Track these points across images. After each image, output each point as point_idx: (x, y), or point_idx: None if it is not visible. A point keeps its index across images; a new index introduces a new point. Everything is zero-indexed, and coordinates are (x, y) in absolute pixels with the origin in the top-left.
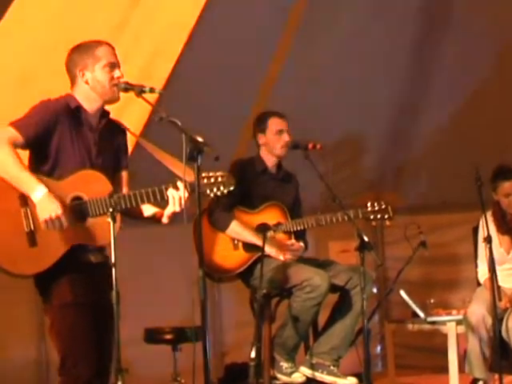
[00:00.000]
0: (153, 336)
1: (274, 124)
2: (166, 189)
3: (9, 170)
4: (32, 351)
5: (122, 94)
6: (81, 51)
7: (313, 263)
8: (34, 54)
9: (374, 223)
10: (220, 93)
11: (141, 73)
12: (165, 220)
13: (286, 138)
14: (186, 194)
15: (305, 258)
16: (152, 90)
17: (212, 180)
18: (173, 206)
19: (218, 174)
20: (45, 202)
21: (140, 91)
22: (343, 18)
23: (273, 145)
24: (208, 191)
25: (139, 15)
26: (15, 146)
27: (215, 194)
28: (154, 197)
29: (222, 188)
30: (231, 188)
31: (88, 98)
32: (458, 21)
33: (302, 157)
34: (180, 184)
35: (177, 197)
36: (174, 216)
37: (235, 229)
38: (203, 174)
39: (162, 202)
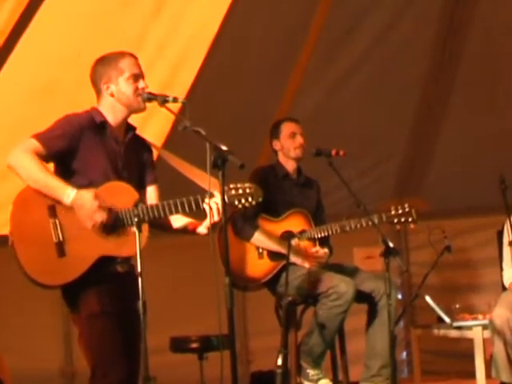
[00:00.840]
0: (179, 345)
1: (286, 128)
2: (202, 198)
3: (36, 178)
4: (58, 361)
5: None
6: (104, 64)
7: (337, 269)
8: (59, 64)
9: (398, 227)
10: (243, 101)
11: (163, 83)
12: (204, 231)
13: (299, 139)
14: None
15: (329, 264)
16: (175, 100)
17: (240, 191)
18: (212, 216)
19: (246, 185)
20: (79, 202)
21: (163, 101)
22: (365, 23)
23: (287, 148)
24: (236, 202)
25: (161, 26)
26: (38, 157)
27: (243, 206)
28: (189, 206)
29: (250, 199)
30: (260, 200)
31: (113, 110)
32: (479, 21)
33: (325, 164)
34: (217, 193)
35: (215, 206)
36: (213, 226)
37: (259, 238)
38: (231, 186)
39: (191, 212)
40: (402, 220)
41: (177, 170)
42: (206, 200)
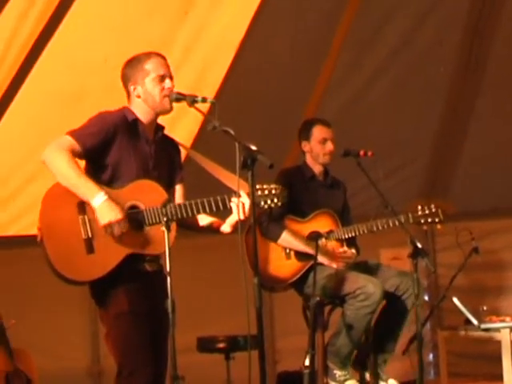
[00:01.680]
0: (205, 345)
1: (318, 132)
2: (229, 198)
3: (69, 177)
4: (85, 360)
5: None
6: (131, 66)
7: (361, 267)
8: (86, 70)
9: (425, 227)
10: (270, 102)
11: (190, 87)
12: (228, 229)
13: (329, 146)
14: (248, 202)
15: (355, 262)
16: (204, 100)
17: (266, 192)
18: (237, 215)
19: (272, 186)
20: (105, 207)
21: (192, 101)
22: (392, 25)
23: (316, 153)
24: (262, 203)
25: (188, 30)
26: (73, 154)
27: (269, 206)
28: (217, 206)
29: (275, 200)
30: (284, 201)
31: (142, 111)
32: (506, 23)
33: (351, 165)
34: (243, 192)
35: (240, 205)
36: (238, 225)
37: (287, 238)
38: (257, 186)
39: (219, 212)
40: (429, 220)
41: (205, 170)
42: (234, 199)
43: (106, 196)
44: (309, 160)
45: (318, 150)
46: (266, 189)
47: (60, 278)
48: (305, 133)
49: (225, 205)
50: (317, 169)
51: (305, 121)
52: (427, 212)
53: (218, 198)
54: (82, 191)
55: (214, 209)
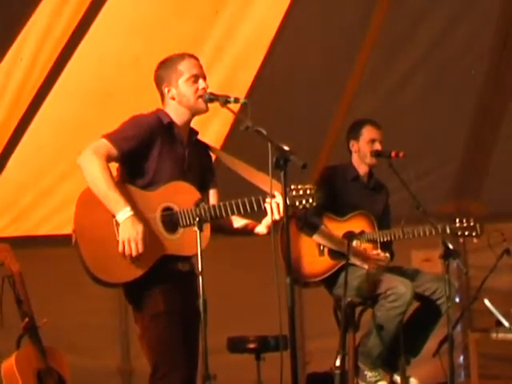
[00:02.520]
0: (236, 345)
1: (368, 132)
2: (263, 198)
3: (100, 187)
4: (116, 360)
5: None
6: (164, 67)
7: (397, 272)
8: (118, 68)
9: (461, 240)
10: (300, 103)
11: (221, 86)
12: (264, 230)
13: (377, 147)
14: (281, 202)
15: (390, 266)
16: (237, 100)
17: (301, 192)
18: (272, 215)
19: (307, 186)
20: (128, 224)
21: (225, 101)
22: (422, 27)
23: (364, 153)
24: (297, 203)
25: (219, 29)
26: (109, 159)
27: (304, 207)
28: (251, 207)
29: (310, 201)
30: (320, 201)
31: (177, 113)
32: None
33: (385, 165)
34: (277, 193)
35: (275, 205)
36: (274, 225)
37: (322, 235)
38: (292, 187)
39: (252, 214)
40: (466, 233)
41: (235, 173)
42: (268, 200)
43: (131, 212)
44: (355, 160)
45: (365, 150)
46: (300, 189)
47: (94, 281)
48: (354, 132)
49: (259, 205)
50: (362, 169)
51: (355, 120)
52: (465, 225)
53: (253, 198)
54: (109, 203)
55: (249, 210)
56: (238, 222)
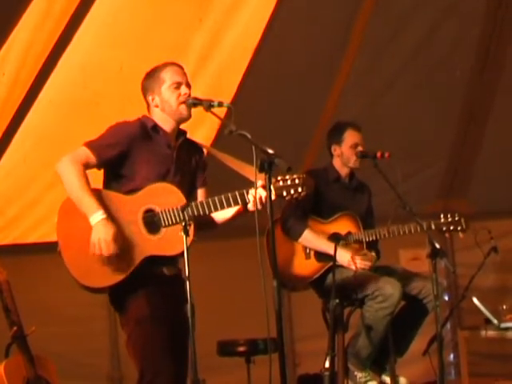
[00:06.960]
0: (226, 348)
1: (350, 137)
2: (247, 191)
3: (74, 191)
4: (105, 367)
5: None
6: (149, 77)
7: (384, 271)
8: (102, 77)
9: (447, 235)
10: (286, 107)
11: (208, 91)
12: (252, 207)
13: (360, 150)
14: (265, 194)
15: (377, 266)
16: (220, 104)
17: (289, 182)
18: (253, 207)
19: (295, 176)
20: (99, 226)
21: (209, 106)
22: (408, 27)
23: (348, 157)
24: (284, 193)
25: (203, 37)
26: (88, 166)
27: (292, 197)
28: (235, 201)
29: (299, 190)
30: (310, 190)
31: (161, 121)
32: None
33: (370, 167)
34: (259, 183)
35: (258, 196)
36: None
37: (308, 238)
38: (279, 177)
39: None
40: (451, 228)
41: (225, 165)
42: (251, 191)
43: (105, 215)
44: (336, 162)
45: (349, 154)
46: (288, 179)
47: (81, 287)
48: (336, 137)
49: (243, 199)
50: (343, 171)
51: (336, 124)
52: (450, 220)
53: (236, 192)
54: (82, 207)
55: (233, 204)
56: (229, 212)
